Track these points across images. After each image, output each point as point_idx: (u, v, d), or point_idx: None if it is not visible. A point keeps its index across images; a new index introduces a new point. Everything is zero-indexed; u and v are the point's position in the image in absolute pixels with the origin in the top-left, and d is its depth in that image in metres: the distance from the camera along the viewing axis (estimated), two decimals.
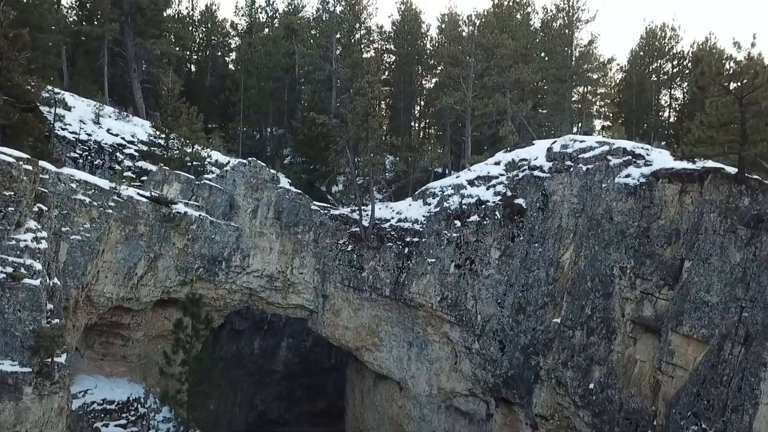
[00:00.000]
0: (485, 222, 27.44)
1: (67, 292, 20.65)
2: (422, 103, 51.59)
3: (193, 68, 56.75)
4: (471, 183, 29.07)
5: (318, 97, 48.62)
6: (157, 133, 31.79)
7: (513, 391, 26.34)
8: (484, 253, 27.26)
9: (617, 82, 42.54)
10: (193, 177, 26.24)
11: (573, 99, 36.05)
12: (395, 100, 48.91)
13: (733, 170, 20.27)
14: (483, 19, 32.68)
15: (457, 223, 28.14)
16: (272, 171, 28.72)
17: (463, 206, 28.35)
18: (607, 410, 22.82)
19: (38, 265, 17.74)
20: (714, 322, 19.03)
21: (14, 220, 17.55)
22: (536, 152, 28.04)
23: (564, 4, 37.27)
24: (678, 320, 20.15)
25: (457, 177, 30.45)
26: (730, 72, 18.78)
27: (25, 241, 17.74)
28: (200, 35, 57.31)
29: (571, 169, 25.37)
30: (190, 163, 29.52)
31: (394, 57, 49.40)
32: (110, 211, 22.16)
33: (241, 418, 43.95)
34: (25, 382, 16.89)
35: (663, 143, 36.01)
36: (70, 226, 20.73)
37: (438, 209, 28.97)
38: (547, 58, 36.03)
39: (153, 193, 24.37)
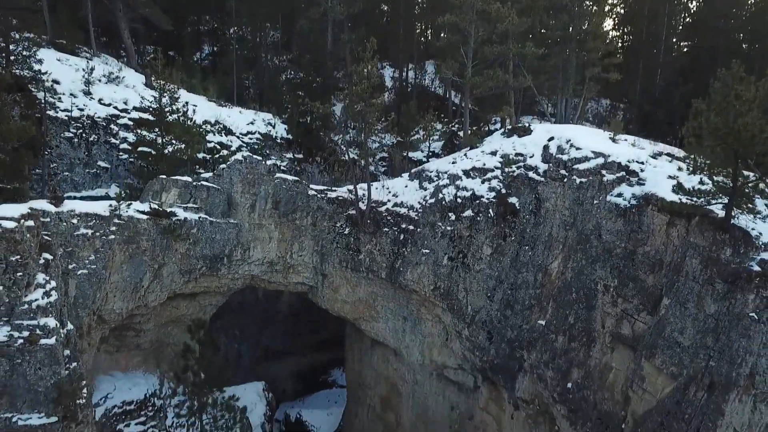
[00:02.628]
0: (479, 218, 28.05)
1: (80, 321, 21.95)
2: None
3: None
4: (467, 174, 29.24)
5: (313, 38, 46.90)
6: (153, 93, 31.49)
7: (498, 376, 28.57)
8: (477, 249, 28.19)
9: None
10: (190, 179, 26.44)
11: (575, 63, 34.83)
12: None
13: (722, 213, 20.59)
14: None
15: (452, 216, 28.76)
16: (268, 163, 28.78)
17: (458, 199, 28.78)
18: (582, 408, 25.07)
19: (52, 322, 18.83)
20: (683, 363, 20.50)
21: (23, 283, 18.37)
22: (532, 148, 27.96)
23: None
24: (652, 352, 21.63)
25: (453, 163, 30.48)
26: None
27: (36, 300, 18.66)
28: None
29: (565, 180, 25.56)
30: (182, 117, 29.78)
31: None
32: (112, 236, 22.82)
33: (248, 353, 47.38)
34: (53, 428, 18.69)
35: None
36: (76, 262, 21.55)
37: (433, 200, 29.42)
38: (552, 22, 34.31)
39: (152, 205, 24.79)
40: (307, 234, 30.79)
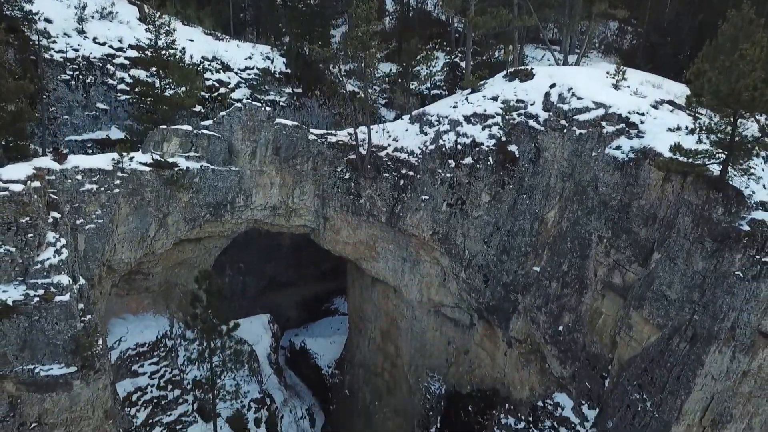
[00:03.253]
0: (478, 166, 28.30)
1: (91, 272, 22.81)
2: None
3: None
4: (467, 120, 29.15)
5: None
6: (148, 28, 30.94)
7: (493, 316, 29.84)
8: (475, 196, 28.64)
9: None
10: (190, 128, 26.49)
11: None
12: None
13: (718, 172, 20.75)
14: None
15: (452, 162, 28.98)
16: (267, 109, 28.67)
17: (458, 146, 28.89)
18: (571, 349, 26.46)
19: (65, 280, 19.64)
20: (669, 315, 21.48)
21: (35, 244, 19.02)
22: (534, 94, 27.74)
23: None
24: (640, 303, 22.59)
25: (454, 107, 30.27)
26: None
27: (48, 259, 19.39)
28: None
29: (565, 131, 25.58)
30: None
31: None
32: (117, 190, 23.24)
33: (254, 284, 48.97)
34: (73, 377, 19.99)
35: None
36: (83, 218, 22.10)
37: (434, 147, 29.53)
38: None
39: (154, 156, 25.02)
40: (308, 179, 31.15)
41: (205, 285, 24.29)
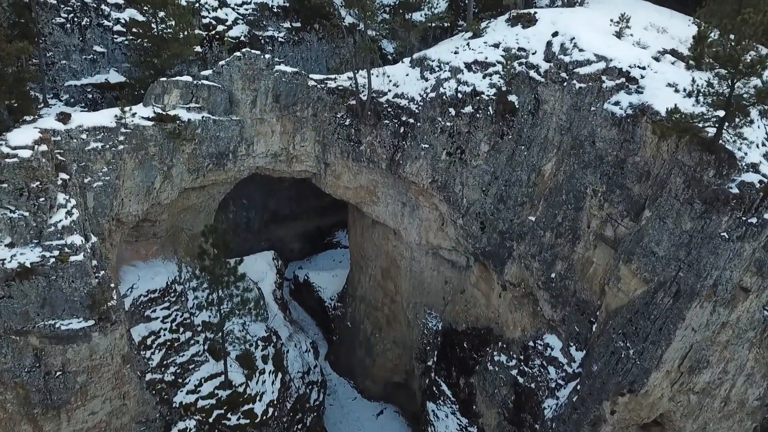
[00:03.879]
0: (478, 115, 28.45)
1: (101, 227, 23.67)
2: None
3: None
4: (468, 67, 28.96)
5: None
6: None
7: (489, 261, 30.98)
8: (474, 146, 28.99)
9: None
10: (190, 79, 26.45)
11: None
12: None
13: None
14: None
15: (452, 111, 29.09)
16: (267, 55, 28.44)
17: (459, 94, 28.90)
18: (562, 294, 27.78)
19: (78, 240, 20.52)
20: (656, 270, 22.49)
21: (47, 207, 19.74)
22: (536, 43, 27.45)
23: None
24: (629, 257, 23.56)
25: (455, 53, 29.92)
26: None
27: (60, 221, 20.16)
28: None
29: (565, 84, 25.57)
30: None
31: None
32: (121, 147, 23.65)
33: (257, 218, 50.09)
34: (91, 330, 21.31)
35: None
36: (90, 176, 22.66)
37: (434, 94, 29.51)
38: None
39: (156, 109, 25.21)
40: (308, 125, 31.34)
41: (212, 239, 25.19)
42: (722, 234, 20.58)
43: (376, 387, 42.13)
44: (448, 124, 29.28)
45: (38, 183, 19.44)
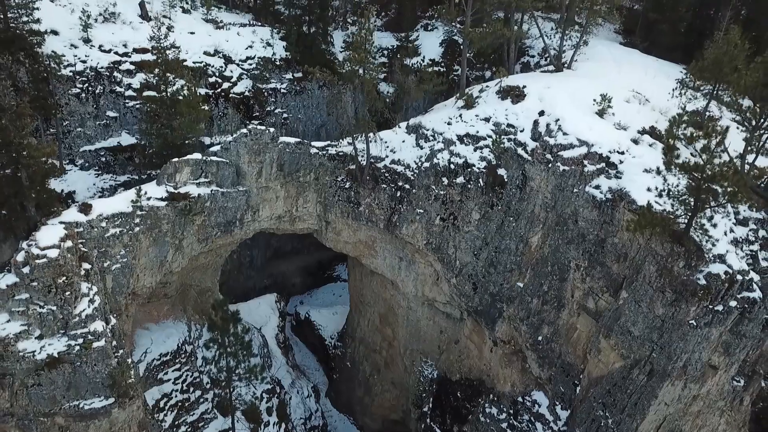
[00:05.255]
0: (470, 186, 30.28)
1: (118, 304, 25.51)
2: None
3: None
4: (460, 139, 30.77)
5: None
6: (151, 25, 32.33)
7: (480, 319, 32.84)
8: (466, 213, 30.81)
9: None
10: (200, 156, 28.21)
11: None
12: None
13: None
14: None
15: (445, 180, 30.92)
16: (271, 129, 30.22)
17: (452, 165, 30.71)
18: (549, 356, 29.64)
19: (100, 326, 22.34)
20: (632, 348, 24.35)
21: (72, 298, 21.58)
22: (524, 120, 29.26)
23: None
24: (608, 332, 25.41)
25: (448, 123, 31.69)
26: None
27: (84, 310, 21.97)
28: None
29: (550, 165, 27.37)
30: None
31: None
32: (137, 228, 25.47)
33: (260, 255, 51.81)
34: (112, 406, 23.14)
35: None
36: (109, 260, 24.48)
37: (428, 164, 31.31)
38: None
39: (168, 188, 27.02)
40: (310, 188, 33.16)
41: (220, 312, 27.04)
42: (690, 322, 22.42)
43: (375, 424, 43.99)
44: (442, 192, 31.10)
45: (64, 278, 21.26)
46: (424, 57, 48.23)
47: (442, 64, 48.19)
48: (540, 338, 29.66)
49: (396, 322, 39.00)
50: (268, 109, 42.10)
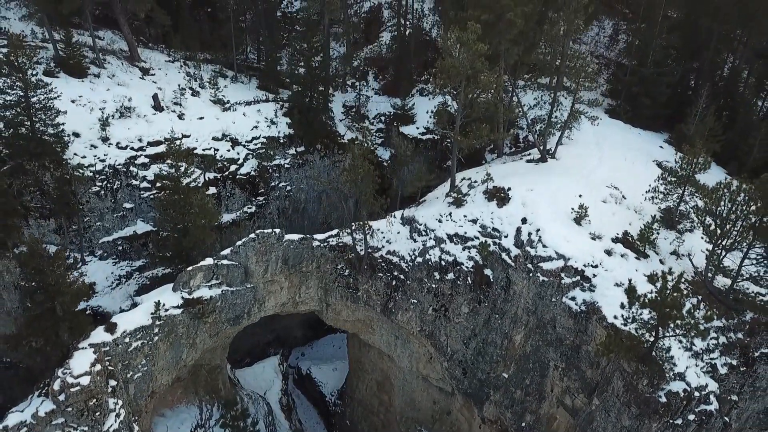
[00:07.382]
0: (459, 282, 32.96)
1: (138, 406, 28.18)
2: None
3: None
4: (450, 239, 33.47)
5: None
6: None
7: (470, 399, 35.50)
8: (456, 306, 33.49)
9: None
10: (212, 261, 30.92)
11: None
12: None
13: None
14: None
15: (437, 275, 33.60)
16: (277, 230, 32.89)
17: (442, 262, 33.40)
18: None
19: None
20: None
21: (101, 417, 24.25)
22: (508, 226, 31.93)
23: None
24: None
25: (439, 221, 34.37)
26: None
27: (112, 425, 24.66)
28: None
29: (531, 274, 30.06)
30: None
31: None
32: (156, 338, 28.15)
33: None
34: None
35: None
36: (132, 371, 27.15)
37: (421, 260, 34.00)
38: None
39: (183, 294, 29.71)
40: (312, 276, 35.86)
41: (232, 411, 29.73)
42: None
43: None
44: (434, 285, 33.79)
45: (95, 401, 23.91)
46: (418, 126, 51.07)
47: (436, 132, 50.93)
48: (524, 424, 32.34)
49: (392, 391, 41.66)
50: (273, 184, 44.86)
